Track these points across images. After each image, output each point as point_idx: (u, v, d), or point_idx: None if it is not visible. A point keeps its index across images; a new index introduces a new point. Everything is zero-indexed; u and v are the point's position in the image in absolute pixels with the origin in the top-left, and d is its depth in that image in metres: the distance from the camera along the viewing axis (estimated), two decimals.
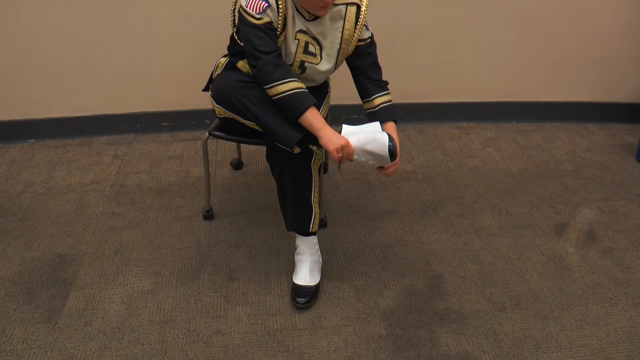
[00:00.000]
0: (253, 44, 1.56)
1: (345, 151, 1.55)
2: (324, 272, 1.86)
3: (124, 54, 2.56)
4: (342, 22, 1.67)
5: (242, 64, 1.71)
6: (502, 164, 2.56)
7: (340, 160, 1.56)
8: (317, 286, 1.77)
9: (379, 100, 1.75)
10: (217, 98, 1.73)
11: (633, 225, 2.16)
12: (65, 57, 2.53)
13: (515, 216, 2.19)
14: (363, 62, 1.75)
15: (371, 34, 1.75)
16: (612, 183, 2.44)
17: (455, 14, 2.65)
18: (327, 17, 1.65)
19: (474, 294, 1.80)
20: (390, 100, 1.76)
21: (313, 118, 1.54)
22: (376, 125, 1.65)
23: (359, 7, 1.67)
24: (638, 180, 2.46)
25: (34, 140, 2.69)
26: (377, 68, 1.79)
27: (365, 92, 1.77)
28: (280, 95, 1.55)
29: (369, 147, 1.57)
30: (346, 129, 1.60)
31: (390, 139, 1.59)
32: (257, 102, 1.60)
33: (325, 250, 1.97)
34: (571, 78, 2.88)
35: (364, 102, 1.78)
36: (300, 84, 1.56)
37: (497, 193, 2.34)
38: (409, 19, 2.64)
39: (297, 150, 1.61)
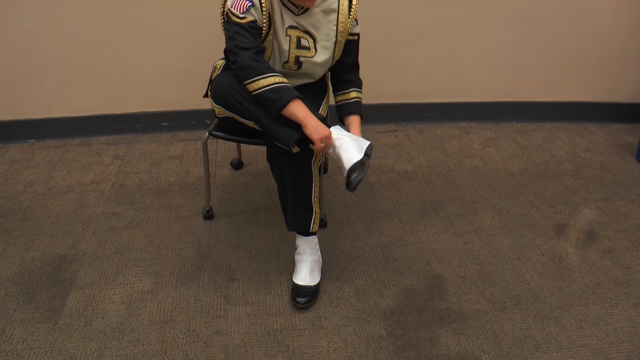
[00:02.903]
0: (234, 41, 1.58)
1: (328, 143, 1.57)
2: (324, 272, 1.86)
3: (123, 54, 2.56)
4: (336, 15, 1.69)
5: None
6: (502, 164, 2.56)
7: (319, 151, 1.58)
8: (317, 286, 1.77)
9: (355, 94, 1.81)
10: (216, 98, 1.73)
11: (633, 225, 2.16)
12: (65, 57, 2.53)
13: (515, 216, 2.19)
14: (348, 59, 1.80)
15: (358, 32, 1.79)
16: (612, 183, 2.44)
17: (455, 14, 2.65)
18: (318, 10, 1.67)
19: (474, 294, 1.80)
20: (361, 98, 1.82)
21: (297, 108, 1.55)
22: (362, 140, 1.66)
23: (350, 1, 1.70)
24: (638, 180, 2.46)
25: (34, 140, 2.69)
26: (357, 68, 1.85)
27: (345, 85, 1.82)
28: (260, 90, 1.56)
29: (340, 153, 1.59)
30: (334, 130, 1.63)
31: (363, 171, 1.57)
32: (256, 101, 1.60)
33: (325, 250, 1.97)
34: (571, 78, 2.88)
35: (338, 94, 1.83)
36: (282, 79, 1.57)
37: (497, 193, 2.34)
38: (409, 19, 2.64)
39: (296, 149, 1.61)
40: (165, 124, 2.76)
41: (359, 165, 1.58)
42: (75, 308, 1.71)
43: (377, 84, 2.78)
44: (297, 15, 1.66)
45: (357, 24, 1.76)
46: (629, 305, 1.77)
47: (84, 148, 2.63)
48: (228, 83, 1.64)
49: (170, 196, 2.27)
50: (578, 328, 1.68)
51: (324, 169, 2.38)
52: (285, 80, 1.57)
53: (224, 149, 2.63)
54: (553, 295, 1.80)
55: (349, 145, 1.60)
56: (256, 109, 1.61)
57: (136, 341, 1.60)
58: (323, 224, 2.09)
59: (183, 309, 1.72)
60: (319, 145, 1.55)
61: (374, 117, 2.87)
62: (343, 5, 1.69)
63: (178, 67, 2.62)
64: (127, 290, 1.78)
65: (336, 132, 1.62)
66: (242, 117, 1.68)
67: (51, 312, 1.69)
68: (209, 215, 2.13)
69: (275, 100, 1.55)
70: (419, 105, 2.88)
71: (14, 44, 2.48)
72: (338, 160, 1.61)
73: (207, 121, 2.74)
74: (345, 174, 1.59)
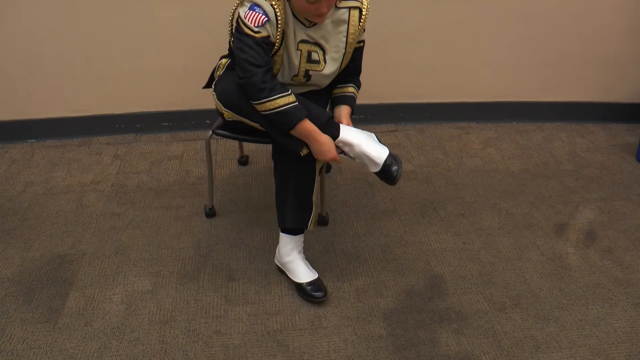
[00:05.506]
0: (246, 55, 1.54)
1: (332, 160, 1.64)
2: (324, 272, 1.86)
3: (123, 53, 2.56)
4: (346, 26, 1.67)
5: None
6: (502, 164, 2.56)
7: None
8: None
9: (352, 89, 1.83)
10: (225, 102, 1.72)
11: (633, 225, 2.16)
12: (65, 57, 2.53)
13: (515, 216, 2.19)
14: (352, 64, 1.80)
15: (364, 38, 1.79)
16: (612, 183, 2.44)
17: (455, 14, 2.65)
18: (329, 21, 1.65)
19: (474, 294, 1.80)
20: (356, 96, 1.84)
21: (303, 132, 1.58)
22: (373, 135, 1.71)
23: (361, 11, 1.68)
24: (638, 180, 2.46)
25: (34, 140, 2.69)
26: (359, 72, 1.86)
27: (343, 81, 1.83)
28: (268, 112, 1.57)
29: (366, 149, 1.63)
30: (344, 129, 1.66)
31: (399, 164, 1.64)
32: None
33: (325, 250, 1.97)
34: (571, 78, 2.88)
35: (336, 88, 1.84)
36: (289, 99, 1.56)
37: (497, 193, 2.34)
38: (409, 19, 2.64)
39: (305, 152, 1.63)
40: (165, 124, 2.76)
41: (391, 158, 1.63)
42: (75, 308, 1.71)
43: (377, 84, 2.77)
44: (308, 27, 1.64)
45: (364, 31, 1.75)
46: (629, 305, 1.77)
47: (84, 148, 2.63)
48: (236, 87, 1.64)
49: (170, 196, 2.27)
50: (578, 328, 1.68)
51: (326, 168, 2.39)
52: (292, 99, 1.57)
53: (224, 149, 2.63)
54: (553, 295, 1.80)
55: (369, 142, 1.64)
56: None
57: (136, 341, 1.60)
58: (325, 222, 2.10)
59: (183, 309, 1.72)
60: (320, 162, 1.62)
61: (374, 117, 2.87)
62: (354, 16, 1.66)
63: (178, 67, 2.62)
64: (127, 290, 1.78)
65: (346, 132, 1.65)
66: (251, 121, 1.69)
67: (51, 312, 1.69)
68: (211, 213, 2.13)
69: (283, 122, 1.58)
70: (419, 105, 2.88)
71: (14, 44, 2.47)
72: (361, 158, 1.64)
73: (207, 121, 2.74)
74: (377, 170, 1.63)
